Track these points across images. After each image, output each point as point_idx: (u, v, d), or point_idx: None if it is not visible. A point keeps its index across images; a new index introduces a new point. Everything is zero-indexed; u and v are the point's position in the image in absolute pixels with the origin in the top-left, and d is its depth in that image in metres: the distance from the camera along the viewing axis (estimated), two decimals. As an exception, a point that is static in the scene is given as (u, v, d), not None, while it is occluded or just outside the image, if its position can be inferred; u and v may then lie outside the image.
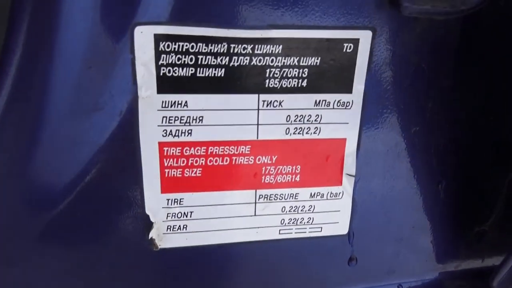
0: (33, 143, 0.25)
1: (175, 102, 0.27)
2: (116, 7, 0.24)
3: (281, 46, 0.27)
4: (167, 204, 0.29)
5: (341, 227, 0.32)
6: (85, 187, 0.27)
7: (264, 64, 0.27)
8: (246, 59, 0.27)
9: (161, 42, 0.25)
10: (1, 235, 0.27)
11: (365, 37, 0.28)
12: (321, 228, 0.32)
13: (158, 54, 0.26)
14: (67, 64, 0.24)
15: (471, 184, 0.33)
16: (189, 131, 0.28)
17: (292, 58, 0.27)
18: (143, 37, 0.25)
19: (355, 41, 0.28)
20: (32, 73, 0.23)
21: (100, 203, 0.28)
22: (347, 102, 0.29)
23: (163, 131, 0.27)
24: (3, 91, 0.23)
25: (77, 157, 0.26)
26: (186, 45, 0.26)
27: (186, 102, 0.27)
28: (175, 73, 0.26)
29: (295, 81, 0.28)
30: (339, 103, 0.29)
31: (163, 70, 0.26)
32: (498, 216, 0.34)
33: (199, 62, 0.26)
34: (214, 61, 0.27)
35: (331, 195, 0.31)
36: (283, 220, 0.31)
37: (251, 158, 0.29)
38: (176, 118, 0.27)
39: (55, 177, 0.26)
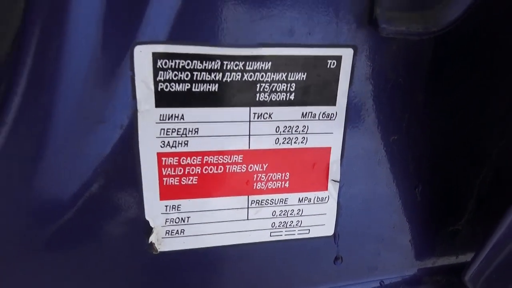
0: (40, 156, 0.25)
1: (172, 115, 0.28)
2: (118, 28, 0.24)
3: (270, 63, 0.28)
4: (166, 210, 0.30)
5: (327, 229, 0.33)
6: (88, 196, 0.27)
7: (255, 79, 0.28)
8: (238, 75, 0.28)
9: (159, 60, 0.26)
10: (8, 243, 0.27)
11: (347, 54, 0.29)
12: (309, 230, 0.33)
13: (156, 71, 0.26)
14: (72, 81, 0.24)
15: (445, 187, 0.34)
16: (186, 142, 0.28)
17: (281, 74, 0.28)
18: (142, 56, 0.25)
19: (338, 58, 0.29)
20: (39, 88, 0.24)
21: (102, 211, 0.28)
22: (331, 114, 0.30)
23: (161, 142, 0.28)
24: (12, 105, 0.23)
25: (82, 168, 0.26)
26: (182, 63, 0.26)
27: (182, 115, 0.28)
28: (172, 88, 0.27)
29: (283, 95, 0.29)
30: (324, 115, 0.30)
31: (161, 85, 0.27)
32: (469, 216, 0.35)
33: (195, 78, 0.27)
34: (208, 77, 0.27)
35: (318, 199, 0.32)
36: (273, 224, 0.32)
37: (244, 167, 0.30)
38: (174, 130, 0.28)
39: (61, 187, 0.26)
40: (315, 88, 0.29)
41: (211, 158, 0.29)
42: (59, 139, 0.25)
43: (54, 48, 0.23)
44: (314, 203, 0.32)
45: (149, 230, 0.29)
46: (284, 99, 0.29)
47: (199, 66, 0.27)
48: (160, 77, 0.26)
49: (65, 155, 0.25)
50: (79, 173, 0.26)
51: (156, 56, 0.26)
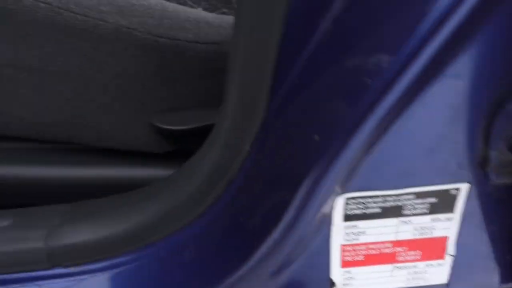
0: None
1: (351, 226, 0.46)
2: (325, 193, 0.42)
3: (413, 195, 0.44)
4: (343, 273, 0.49)
5: (443, 280, 0.50)
6: (304, 264, 0.47)
7: (403, 204, 0.44)
8: (392, 203, 0.44)
9: (347, 200, 0.44)
10: None
11: (464, 186, 0.44)
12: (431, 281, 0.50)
13: (345, 205, 0.44)
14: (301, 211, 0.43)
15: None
16: (357, 238, 0.46)
17: (420, 200, 0.44)
18: (341, 200, 0.43)
19: (458, 188, 0.44)
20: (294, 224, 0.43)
21: (310, 274, 0.48)
22: (450, 218, 0.46)
23: (344, 239, 0.46)
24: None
25: (305, 252, 0.46)
26: (359, 199, 0.44)
27: (356, 224, 0.46)
28: (355, 212, 0.45)
29: (420, 210, 0.45)
30: (446, 218, 0.46)
31: (346, 211, 0.44)
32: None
33: (366, 206, 0.44)
34: (374, 205, 0.44)
35: (438, 264, 0.49)
36: (408, 278, 0.50)
37: (391, 249, 0.47)
38: (351, 233, 0.46)
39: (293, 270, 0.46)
40: (441, 204, 0.45)
41: (371, 245, 0.47)
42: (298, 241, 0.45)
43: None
44: (435, 266, 0.49)
45: (332, 284, 0.49)
46: (420, 212, 0.45)
47: (369, 200, 0.44)
48: (346, 207, 0.44)
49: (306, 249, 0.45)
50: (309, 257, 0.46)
51: (347, 198, 0.43)
